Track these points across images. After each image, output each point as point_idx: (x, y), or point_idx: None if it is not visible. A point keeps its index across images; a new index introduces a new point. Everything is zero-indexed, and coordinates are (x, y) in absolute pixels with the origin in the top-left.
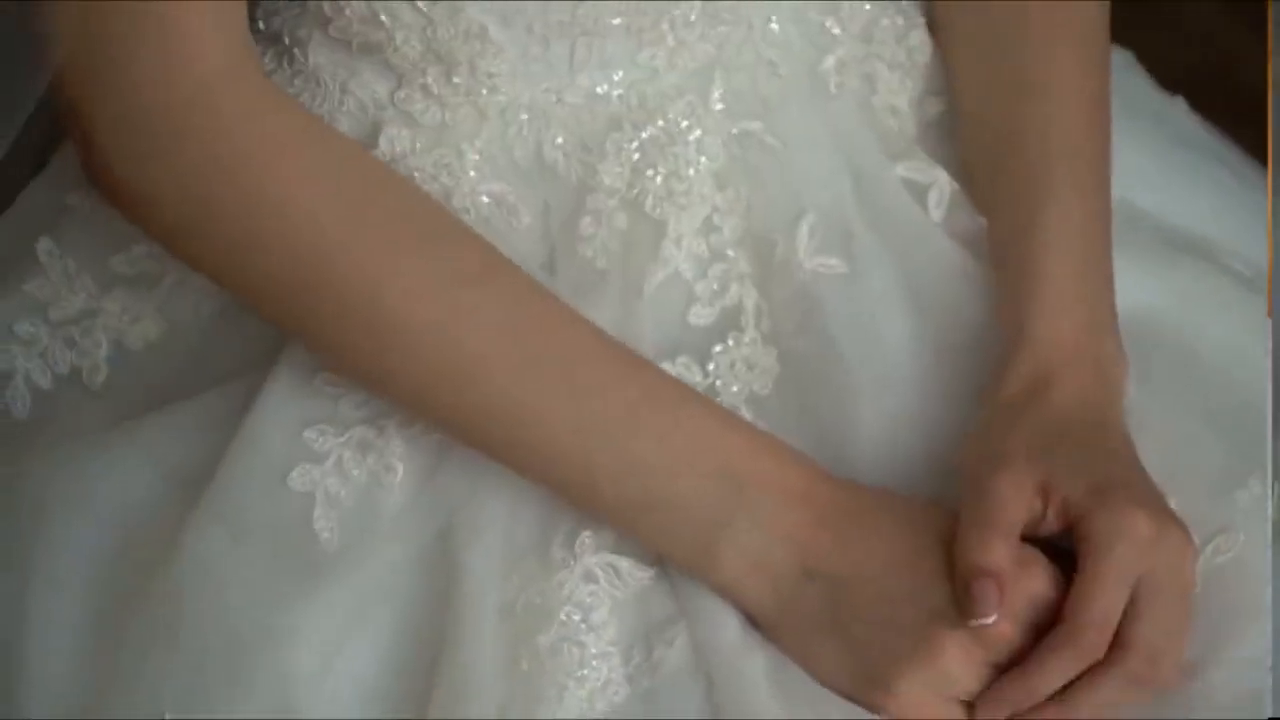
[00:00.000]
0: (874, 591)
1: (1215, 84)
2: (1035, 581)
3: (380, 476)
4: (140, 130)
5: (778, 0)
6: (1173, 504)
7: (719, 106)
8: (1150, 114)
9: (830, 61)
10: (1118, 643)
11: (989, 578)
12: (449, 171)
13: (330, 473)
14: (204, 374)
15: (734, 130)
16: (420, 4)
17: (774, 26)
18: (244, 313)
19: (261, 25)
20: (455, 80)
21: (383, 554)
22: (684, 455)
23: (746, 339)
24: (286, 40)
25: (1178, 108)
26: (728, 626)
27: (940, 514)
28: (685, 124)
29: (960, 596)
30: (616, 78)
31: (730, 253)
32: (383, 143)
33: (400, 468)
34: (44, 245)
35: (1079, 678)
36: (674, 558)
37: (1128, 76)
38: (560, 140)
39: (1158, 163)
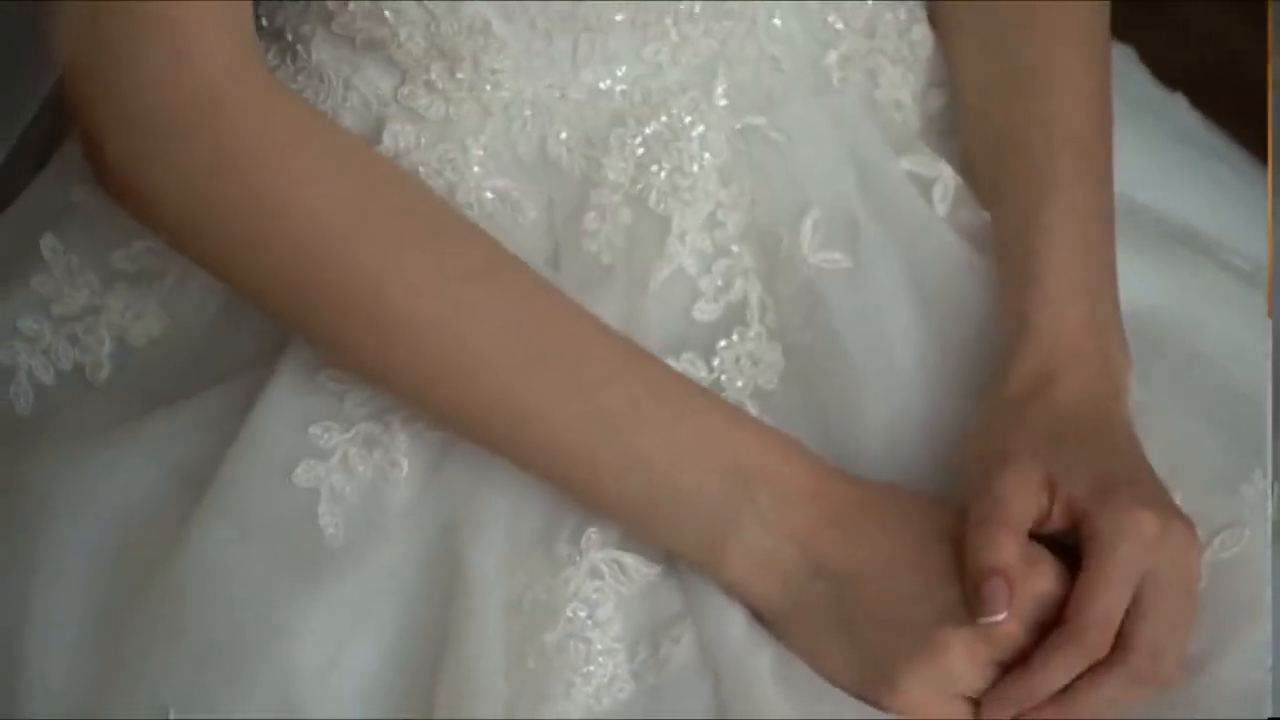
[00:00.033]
0: (881, 589)
1: (1216, 81)
2: (1042, 580)
3: (385, 472)
4: (145, 130)
5: None
6: (1177, 500)
7: (722, 102)
8: (1151, 111)
9: (833, 56)
10: (1120, 641)
11: (999, 576)
12: (453, 167)
13: (335, 469)
14: (207, 371)
15: (738, 125)
16: (424, 0)
17: (777, 22)
18: (247, 309)
19: (264, 22)
20: (459, 76)
21: (387, 550)
22: (689, 450)
23: (751, 334)
24: (289, 37)
25: (1178, 105)
26: (734, 623)
27: (946, 510)
28: (689, 119)
29: (969, 595)
30: (620, 73)
31: (735, 248)
32: (386, 138)
33: (405, 463)
34: (48, 241)
35: (1081, 676)
36: (680, 554)
37: (1129, 73)
38: (564, 135)
39: (1158, 159)
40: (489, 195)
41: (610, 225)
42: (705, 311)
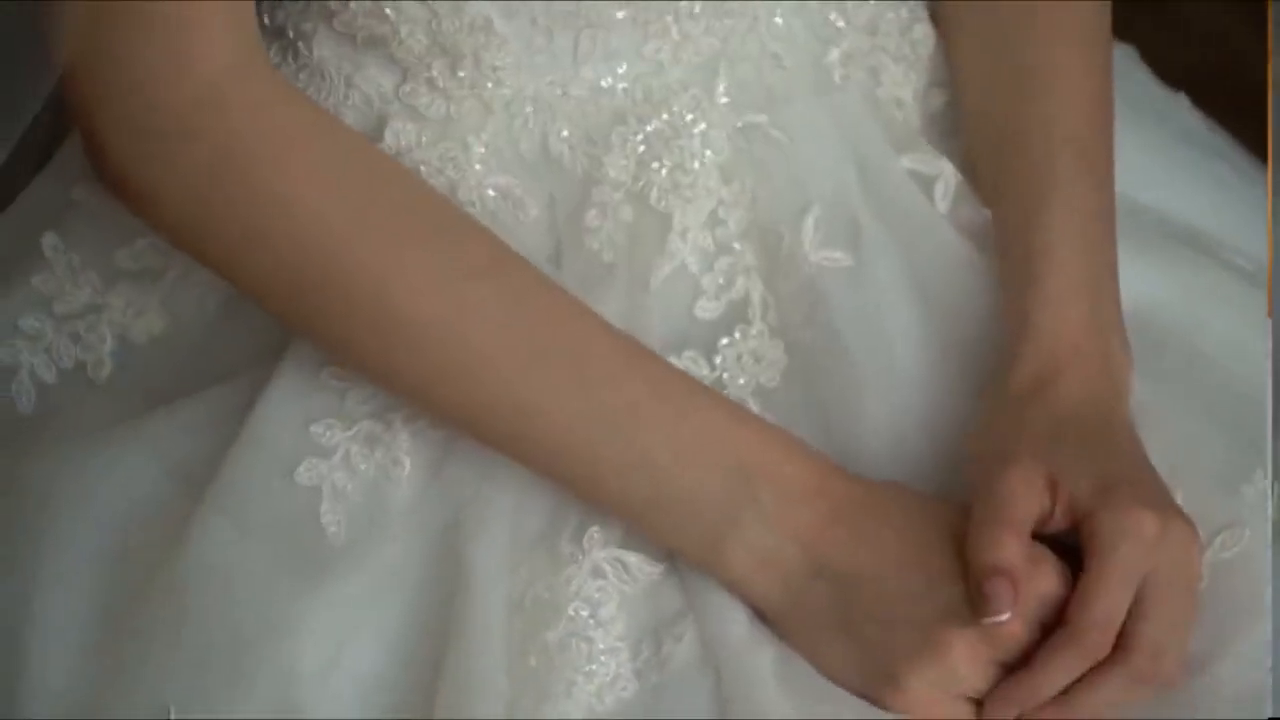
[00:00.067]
0: (883, 588)
1: (1217, 81)
2: (1045, 580)
3: (387, 470)
4: (147, 130)
5: None
6: (1178, 499)
7: (724, 99)
8: (1153, 110)
9: (835, 54)
10: (1121, 642)
11: (1003, 576)
12: (454, 165)
13: (337, 467)
14: (209, 369)
15: (739, 123)
16: None
17: (778, 20)
18: (248, 308)
19: (265, 20)
20: (460, 74)
21: (390, 548)
22: (691, 448)
23: (753, 332)
24: (291, 34)
25: (1180, 104)
26: (736, 621)
27: (949, 509)
28: (690, 117)
29: (973, 595)
30: (621, 71)
31: (736, 246)
32: (388, 136)
33: (407, 462)
34: (49, 240)
35: (1083, 676)
36: (682, 552)
37: (1131, 73)
38: (565, 133)
39: (1160, 159)
40: (491, 193)
41: (612, 223)
42: (707, 309)
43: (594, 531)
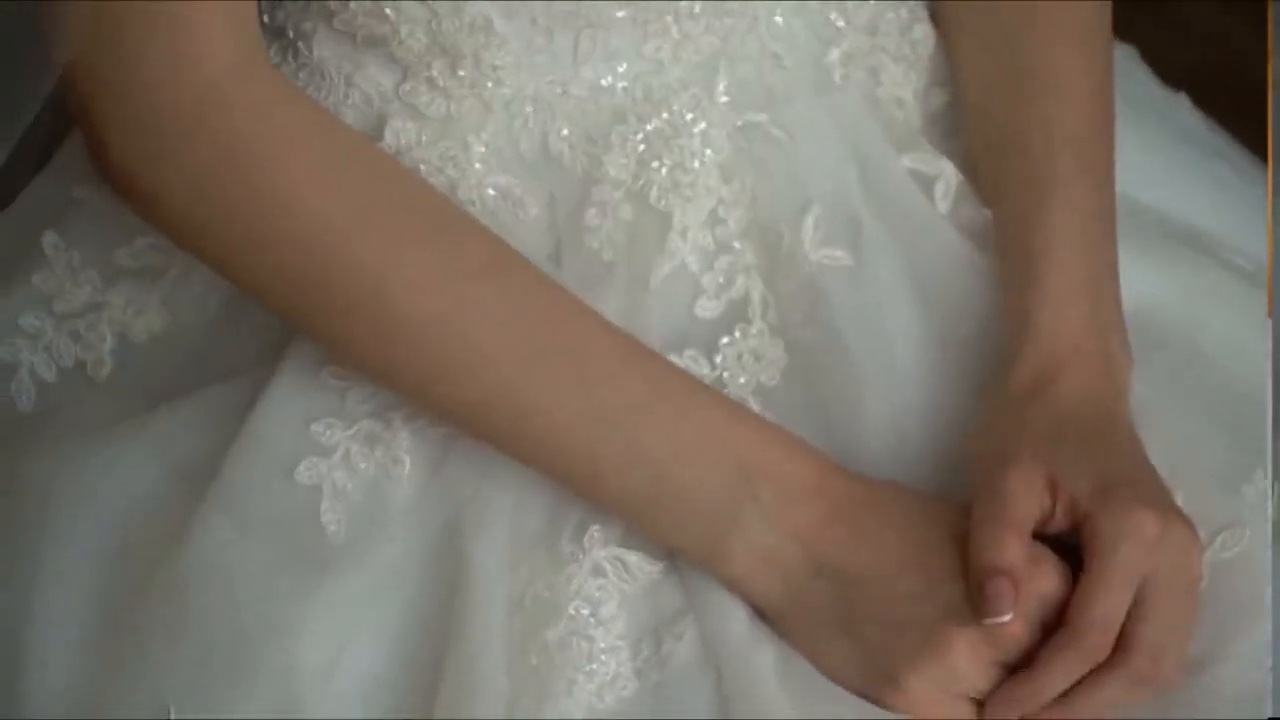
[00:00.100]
0: (884, 588)
1: (1217, 81)
2: (1046, 580)
3: (387, 469)
4: (151, 130)
5: None
6: (1179, 500)
7: (724, 99)
8: (1153, 110)
9: (835, 54)
10: (1121, 643)
11: (1004, 577)
12: (455, 164)
13: (337, 466)
14: (209, 368)
15: (739, 122)
16: None
17: (778, 20)
18: (249, 307)
19: (265, 19)
20: (460, 73)
21: (390, 547)
22: (691, 446)
23: (754, 331)
24: (291, 34)
25: (1180, 104)
26: (736, 620)
27: (950, 508)
28: (690, 116)
29: (974, 595)
30: (621, 70)
31: (736, 245)
32: (388, 135)
33: (407, 460)
34: (49, 239)
35: (1083, 677)
36: (682, 550)
37: (1131, 73)
38: (565, 132)
39: (1161, 159)
40: (491, 192)
41: (611, 221)
42: (707, 308)
43: (594, 530)
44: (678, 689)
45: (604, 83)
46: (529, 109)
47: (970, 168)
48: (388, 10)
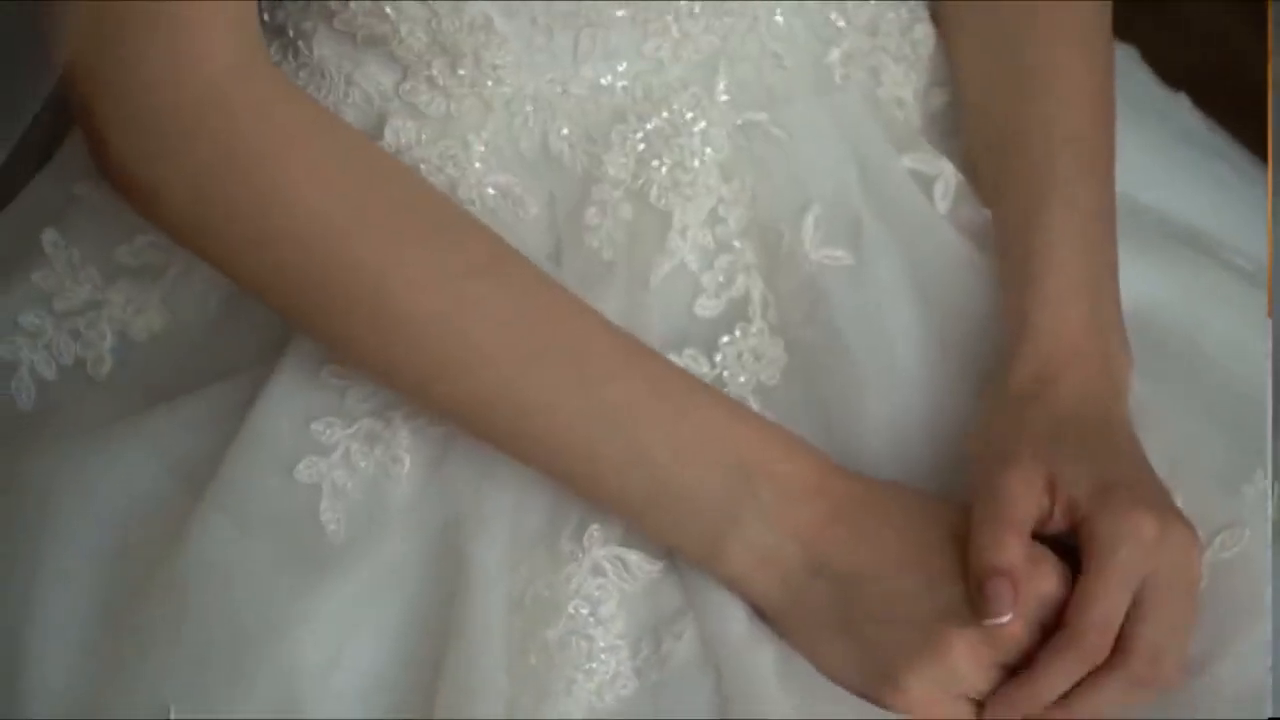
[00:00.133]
0: (884, 588)
1: (1218, 81)
2: (1045, 581)
3: (387, 468)
4: (150, 130)
5: None
6: (1178, 500)
7: (724, 98)
8: (1154, 110)
9: (835, 54)
10: (1120, 645)
11: (1003, 577)
12: (454, 163)
13: (337, 465)
14: (208, 366)
15: (739, 121)
16: None
17: (779, 19)
18: (249, 306)
19: (265, 18)
20: (460, 72)
21: (389, 546)
22: (691, 445)
23: (753, 330)
24: (291, 33)
25: (1181, 104)
26: (736, 620)
27: (950, 508)
28: (690, 115)
29: (974, 596)
30: (621, 69)
31: (736, 244)
32: (388, 134)
33: (407, 459)
34: (49, 236)
35: (1083, 679)
36: (681, 550)
37: (1132, 74)
38: (565, 131)
39: (1161, 159)
40: (490, 191)
41: (611, 221)
42: (707, 308)
43: (594, 529)
44: (677, 688)
45: (604, 82)
46: (529, 108)
47: (970, 168)
48: (388, 9)
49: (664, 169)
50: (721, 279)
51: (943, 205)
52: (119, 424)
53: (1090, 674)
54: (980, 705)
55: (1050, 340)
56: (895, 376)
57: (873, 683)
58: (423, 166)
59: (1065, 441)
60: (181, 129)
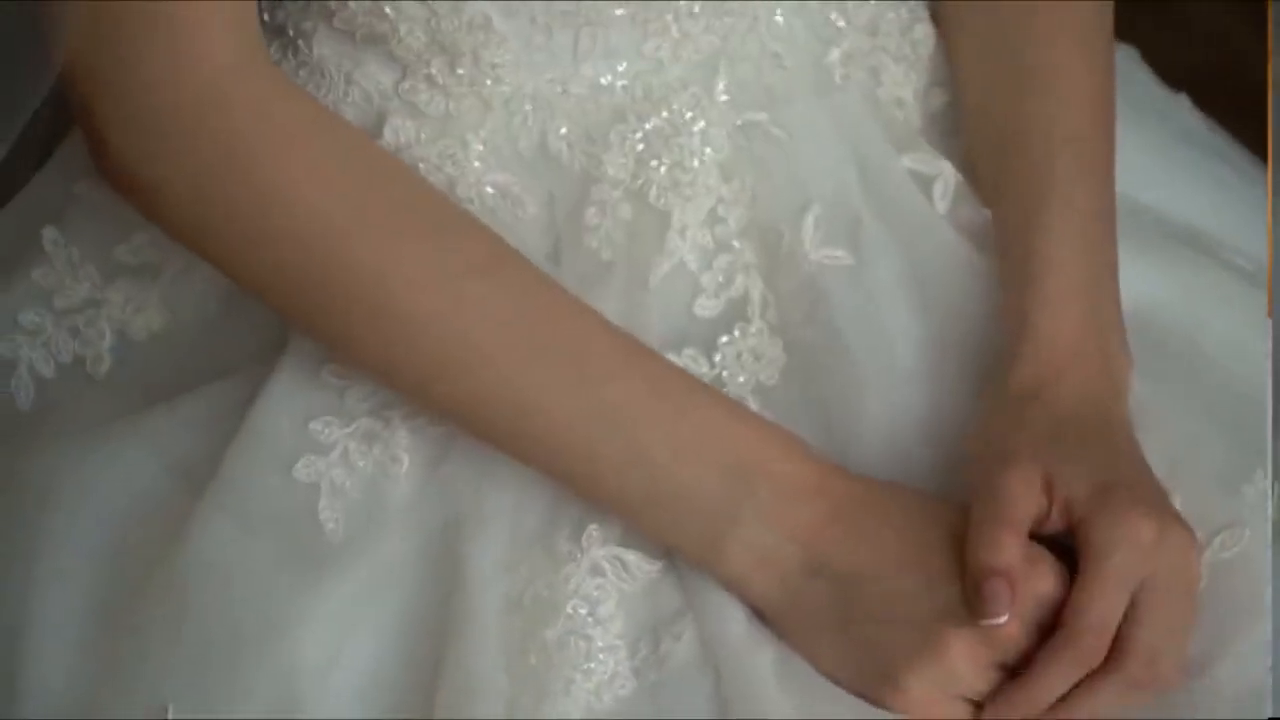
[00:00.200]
0: (883, 588)
1: (1218, 81)
2: (1043, 581)
3: (386, 468)
4: (150, 129)
5: None
6: (1177, 501)
7: (724, 98)
8: (1154, 111)
9: (835, 54)
10: (1117, 647)
11: (1000, 577)
12: (454, 162)
13: (336, 464)
14: (208, 365)
15: (739, 121)
16: None
17: (779, 19)
18: (248, 305)
19: (265, 17)
20: (459, 71)
21: (388, 545)
22: (690, 445)
23: (753, 330)
24: (291, 32)
25: (1181, 105)
26: (735, 620)
27: (949, 508)
28: (690, 115)
29: (971, 596)
30: (621, 68)
31: (736, 244)
32: (387, 133)
33: (406, 459)
34: (49, 234)
35: (1080, 682)
36: (680, 550)
37: (1132, 74)
38: (564, 131)
39: (1161, 159)
40: (489, 190)
41: (610, 220)
42: (706, 307)
43: (593, 529)
44: (676, 689)
45: (603, 81)
46: (528, 107)
47: (970, 168)
48: (387, 9)
49: (663, 169)
50: (721, 279)
51: (942, 205)
52: (118, 423)
53: (1088, 676)
54: (979, 706)
55: (1050, 340)
56: (894, 376)
57: (871, 683)
58: (421, 165)
59: (1064, 442)
60: (181, 129)
